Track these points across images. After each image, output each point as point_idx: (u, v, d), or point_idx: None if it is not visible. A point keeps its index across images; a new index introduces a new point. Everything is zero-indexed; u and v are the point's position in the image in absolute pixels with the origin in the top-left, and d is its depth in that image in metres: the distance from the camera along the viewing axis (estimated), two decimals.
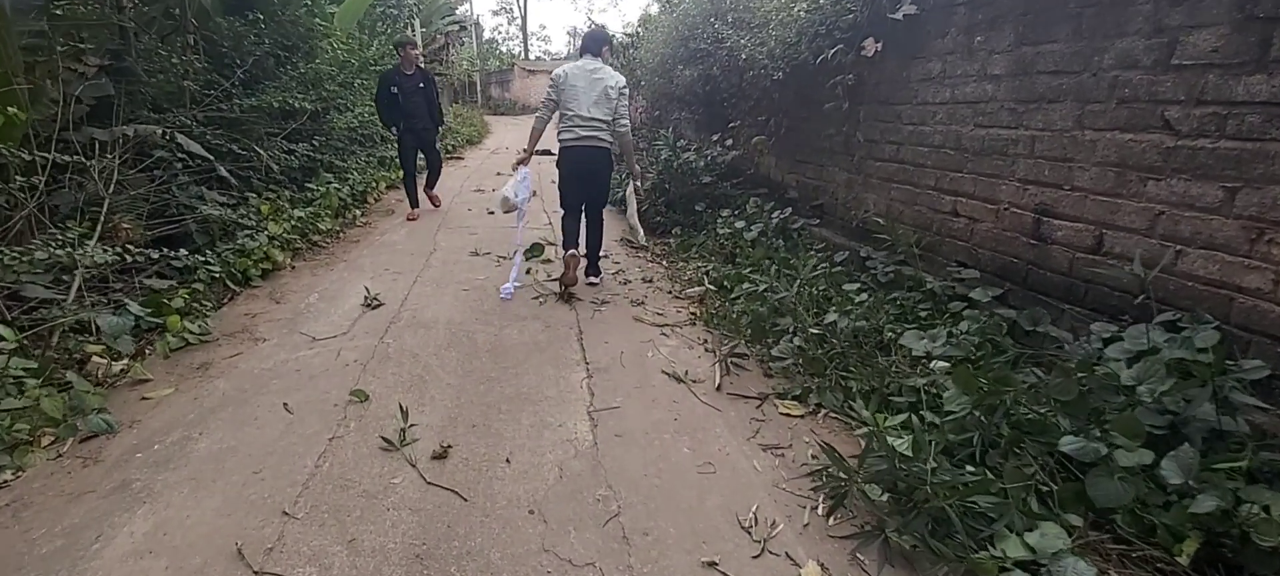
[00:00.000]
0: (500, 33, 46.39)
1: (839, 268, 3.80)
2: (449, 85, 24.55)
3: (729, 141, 5.59)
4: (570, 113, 4.03)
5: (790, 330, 3.08)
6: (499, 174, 10.20)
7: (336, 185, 6.62)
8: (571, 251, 4.09)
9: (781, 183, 5.55)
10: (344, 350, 3.28)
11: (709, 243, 4.91)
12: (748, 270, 4.15)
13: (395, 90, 6.33)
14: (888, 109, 3.89)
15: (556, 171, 4.25)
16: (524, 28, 43.31)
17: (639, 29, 9.44)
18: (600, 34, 4.36)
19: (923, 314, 3.08)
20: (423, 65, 6.48)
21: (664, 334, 3.49)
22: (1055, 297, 2.75)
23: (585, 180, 4.19)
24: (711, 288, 4.07)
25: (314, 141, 7.05)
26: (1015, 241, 2.95)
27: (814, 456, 2.31)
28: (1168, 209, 2.24)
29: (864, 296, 3.06)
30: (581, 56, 4.18)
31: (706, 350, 3.27)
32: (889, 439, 2.02)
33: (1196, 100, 2.13)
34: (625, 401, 2.75)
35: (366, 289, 4.15)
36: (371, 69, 9.15)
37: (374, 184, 7.77)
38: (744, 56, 5.04)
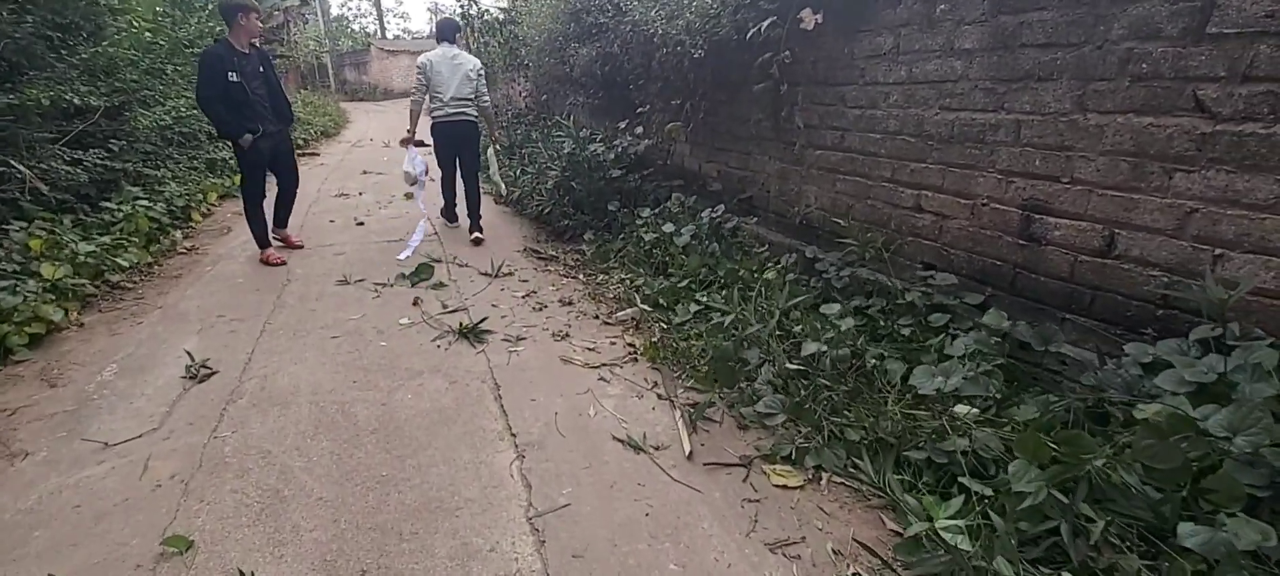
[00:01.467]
0: (351, 10, 42.18)
1: (792, 277, 3.31)
2: (294, 68, 21.81)
3: (639, 129, 4.97)
4: (439, 95, 4.90)
5: (757, 364, 2.55)
6: (365, 172, 8.87)
7: (146, 202, 5.20)
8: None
9: (699, 173, 5.03)
10: (155, 459, 2.30)
11: (630, 248, 4.28)
12: (684, 283, 3.58)
13: (235, 78, 4.21)
14: (829, 90, 3.44)
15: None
16: (378, 4, 39.57)
17: (519, 2, 8.50)
18: (452, 22, 5.18)
19: (903, 330, 2.66)
20: (259, 43, 4.64)
21: (602, 379, 2.83)
22: (1052, 305, 2.43)
23: (458, 145, 5.09)
24: (646, 308, 3.46)
25: (111, 146, 5.52)
26: (998, 241, 2.61)
27: (835, 552, 1.78)
28: (1203, 206, 1.93)
29: (848, 321, 2.58)
30: (439, 44, 5.00)
31: (659, 397, 2.66)
32: (942, 530, 1.53)
33: (1242, 77, 1.81)
34: (575, 492, 2.08)
35: (190, 354, 3.08)
36: (187, 51, 7.50)
37: (200, 196, 6.30)
38: (654, 32, 4.42)
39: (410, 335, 3.35)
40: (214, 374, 2.94)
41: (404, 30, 47.16)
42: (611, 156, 4.87)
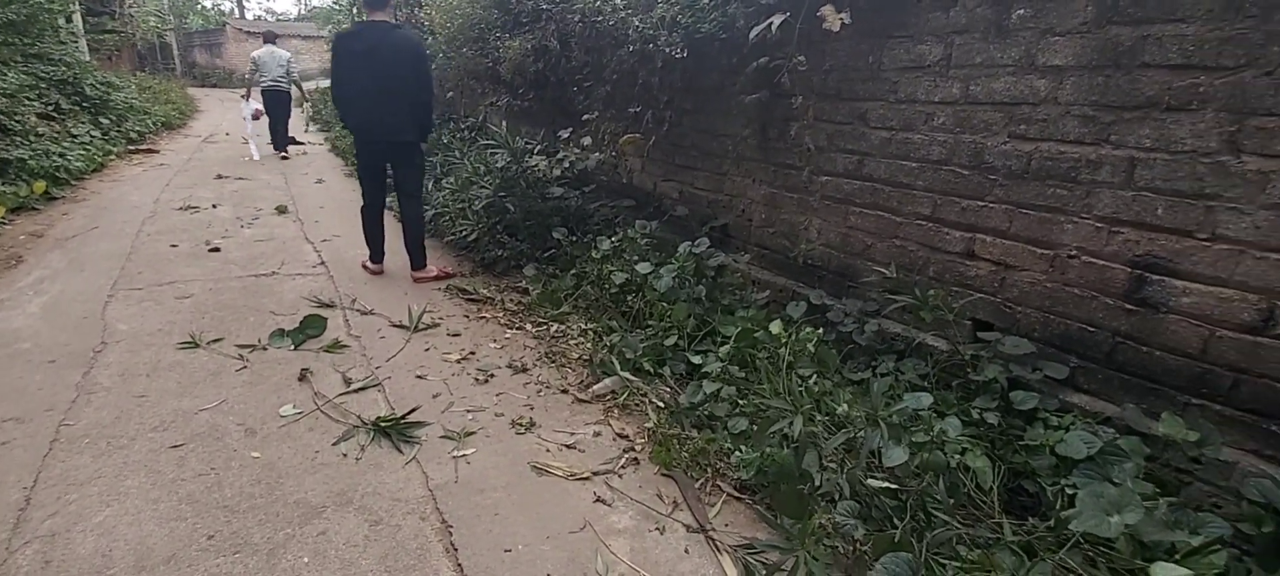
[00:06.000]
0: None
1: (807, 332, 2.66)
2: (128, 46, 18.56)
3: (587, 139, 4.15)
4: (265, 79, 8.33)
5: (823, 479, 1.86)
6: (221, 177, 7.27)
7: None
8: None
9: (654, 193, 4.31)
10: None
11: (589, 289, 3.46)
12: (670, 339, 2.84)
13: None
14: (843, 106, 2.86)
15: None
16: None
17: None
18: (270, 33, 8.56)
19: (983, 414, 2.10)
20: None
21: (600, 499, 2.01)
22: (1171, 387, 1.96)
23: (279, 104, 8.56)
24: (628, 376, 2.67)
25: None
26: (1091, 303, 2.12)
27: None
28: None
29: (953, 422, 1.94)
30: (264, 45, 8.45)
31: (688, 529, 1.90)
32: None
33: None
34: None
35: None
36: None
37: None
38: (613, 24, 3.64)
39: (298, 436, 2.33)
40: None
41: (268, 11, 42.27)
42: (556, 173, 4.01)
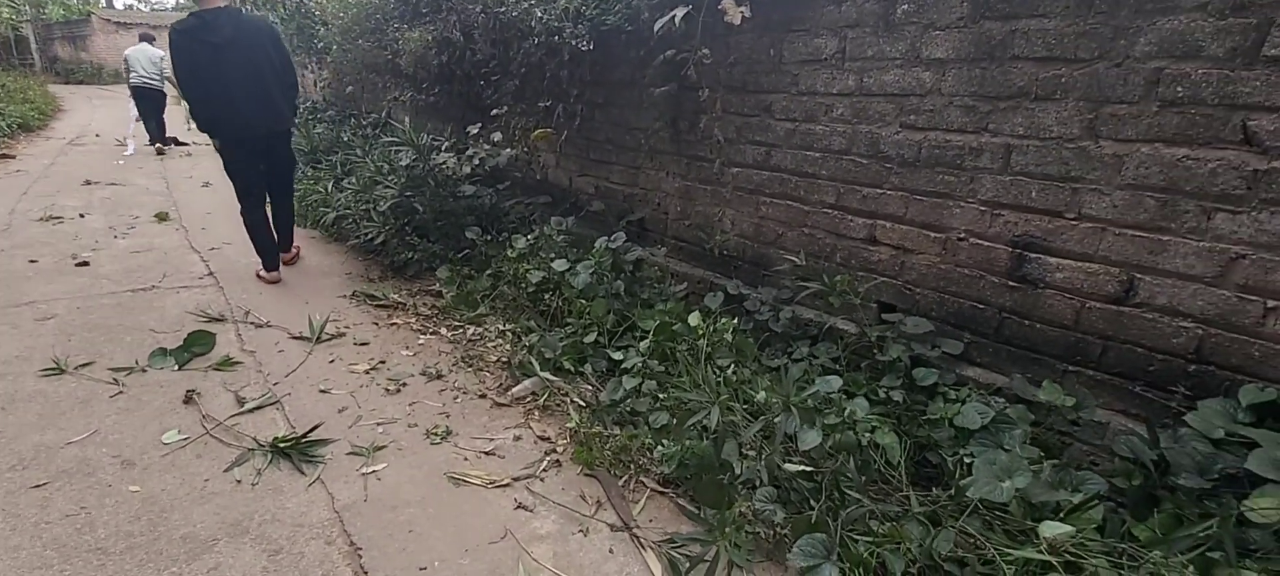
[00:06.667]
0: None
1: (724, 321, 2.71)
2: None
3: (497, 135, 4.03)
4: (137, 71, 8.26)
5: (735, 465, 1.89)
6: (89, 183, 6.56)
7: None
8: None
9: (570, 189, 4.26)
10: None
11: (506, 288, 3.36)
12: (590, 336, 2.82)
13: None
14: (750, 98, 2.92)
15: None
16: None
17: None
18: (147, 33, 8.47)
19: (888, 392, 2.21)
20: None
21: (522, 506, 1.96)
22: (1050, 356, 2.13)
23: (152, 100, 8.49)
24: (548, 376, 2.62)
25: None
26: (980, 282, 2.27)
27: None
28: (1253, 252, 1.70)
29: (860, 404, 2.02)
30: (139, 43, 8.51)
31: (613, 529, 1.88)
32: None
33: None
34: None
35: None
36: None
37: None
38: (516, 15, 3.54)
39: (184, 464, 2.13)
40: None
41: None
42: (466, 171, 3.87)
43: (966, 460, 1.82)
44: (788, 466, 1.83)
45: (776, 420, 1.89)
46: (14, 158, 8.03)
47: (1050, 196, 2.05)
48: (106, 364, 2.77)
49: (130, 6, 31.22)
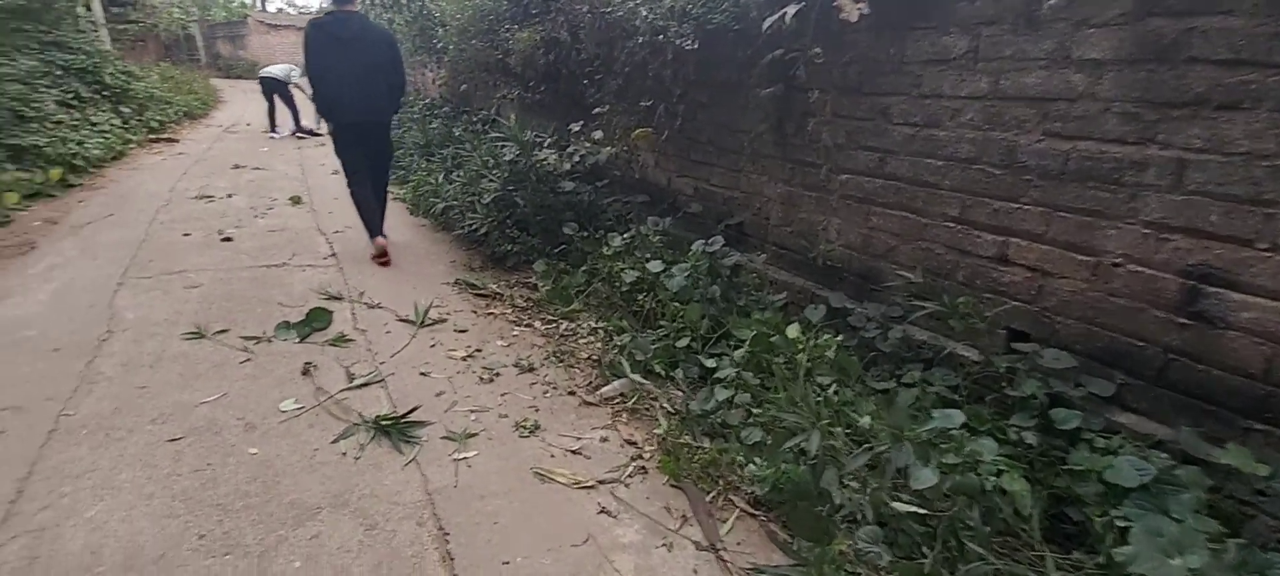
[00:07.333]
0: None
1: (828, 337, 2.54)
2: (153, 37, 18.90)
3: (598, 133, 4.05)
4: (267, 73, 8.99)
5: (842, 499, 1.74)
6: (238, 167, 7.29)
7: None
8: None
9: (668, 188, 4.20)
10: None
11: (600, 287, 3.36)
12: (682, 341, 2.74)
13: None
14: (865, 101, 2.73)
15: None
16: None
17: None
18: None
19: (1020, 433, 1.96)
20: None
21: (605, 511, 1.92)
22: (1230, 409, 1.81)
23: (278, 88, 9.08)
24: (638, 378, 2.58)
25: None
26: (1139, 315, 1.97)
27: None
28: None
29: (988, 444, 1.80)
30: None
31: (697, 548, 1.79)
32: None
33: None
34: None
35: None
36: None
37: None
38: (622, 15, 3.53)
39: (298, 432, 2.27)
40: None
41: (290, 2, 42.64)
42: (566, 167, 3.92)
43: (1120, 524, 1.56)
44: (896, 505, 1.67)
45: (885, 452, 1.73)
46: (179, 142, 9.11)
47: (1236, 222, 1.74)
48: (239, 332, 3.03)
49: (280, 10, 34.71)
